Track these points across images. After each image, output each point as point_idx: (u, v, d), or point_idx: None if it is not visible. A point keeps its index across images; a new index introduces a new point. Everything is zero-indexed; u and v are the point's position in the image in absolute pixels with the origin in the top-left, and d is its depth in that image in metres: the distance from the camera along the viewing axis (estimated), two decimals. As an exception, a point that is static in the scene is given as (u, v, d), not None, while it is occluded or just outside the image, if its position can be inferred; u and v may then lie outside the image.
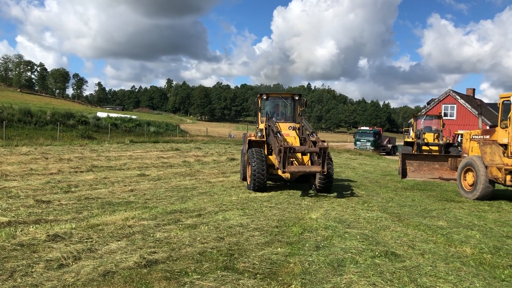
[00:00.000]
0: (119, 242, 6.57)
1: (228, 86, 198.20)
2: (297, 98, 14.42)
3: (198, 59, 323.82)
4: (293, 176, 12.49)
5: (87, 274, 5.12)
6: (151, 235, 7.08)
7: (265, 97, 14.08)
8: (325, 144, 11.49)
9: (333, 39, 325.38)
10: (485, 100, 58.79)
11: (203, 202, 10.44)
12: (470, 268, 5.76)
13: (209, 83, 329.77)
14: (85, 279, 4.99)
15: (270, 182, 14.15)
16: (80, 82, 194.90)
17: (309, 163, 12.48)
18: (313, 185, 12.79)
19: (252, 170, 12.06)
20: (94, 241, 6.59)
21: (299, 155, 12.51)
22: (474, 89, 50.64)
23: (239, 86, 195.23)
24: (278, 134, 12.41)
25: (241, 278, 5.13)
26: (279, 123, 13.62)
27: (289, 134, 13.10)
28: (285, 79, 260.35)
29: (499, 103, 12.78)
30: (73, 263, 5.53)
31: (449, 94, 44.44)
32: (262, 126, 13.82)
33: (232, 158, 23.91)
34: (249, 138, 13.50)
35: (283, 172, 11.23)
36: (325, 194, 12.42)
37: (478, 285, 5.07)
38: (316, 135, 12.77)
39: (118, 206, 9.66)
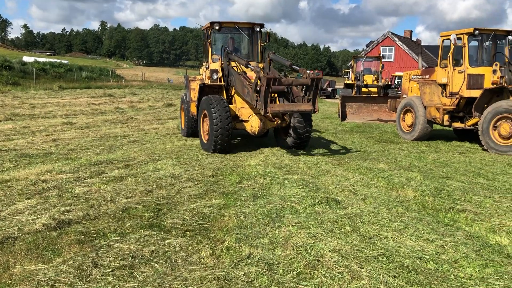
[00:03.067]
0: (29, 201, 5.72)
1: (166, 28, 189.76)
2: (258, 29, 11.22)
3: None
4: (263, 128, 9.97)
5: (-19, 242, 4.32)
6: (69, 190, 6.28)
7: (217, 27, 10.63)
8: (319, 75, 9.32)
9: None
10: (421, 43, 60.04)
11: (133, 151, 9.62)
12: (413, 213, 5.49)
13: (146, 25, 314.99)
14: (-22, 248, 4.19)
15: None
16: (3, 24, 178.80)
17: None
18: (282, 140, 10.60)
19: (213, 125, 9.23)
20: (-2, 201, 5.70)
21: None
22: (411, 31, 51.34)
23: (177, 28, 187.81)
24: (244, 74, 9.89)
25: (168, 237, 4.53)
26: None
27: (253, 76, 9.55)
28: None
29: (440, 42, 12.58)
30: (-33, 229, 4.68)
31: (387, 36, 44.69)
32: (215, 65, 10.79)
33: (169, 103, 22.85)
34: (200, 83, 10.71)
35: (265, 113, 8.43)
36: (262, 139, 11.91)
37: (422, 231, 4.78)
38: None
39: (35, 158, 8.66)
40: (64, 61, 64.98)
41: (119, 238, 4.49)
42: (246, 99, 9.37)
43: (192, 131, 11.81)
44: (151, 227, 4.85)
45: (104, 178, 7.02)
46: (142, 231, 4.71)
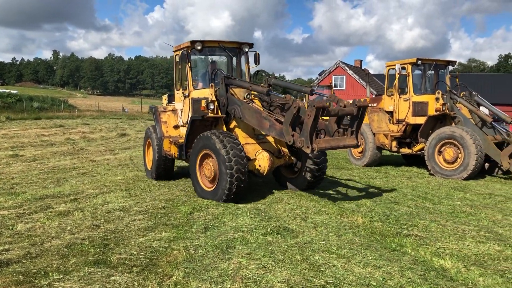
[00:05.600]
0: (-35, 241, 5.40)
1: (121, 57, 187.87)
2: (246, 50, 9.54)
3: (85, 28, 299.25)
4: (272, 167, 8.40)
5: None
6: (10, 227, 5.98)
7: (199, 47, 8.71)
8: (365, 101, 7.42)
9: (228, 9, 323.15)
10: (371, 71, 62.34)
11: (82, 184, 9.34)
12: (362, 239, 5.58)
13: (100, 54, 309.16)
14: None
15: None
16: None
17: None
18: (289, 180, 9.10)
19: (227, 168, 7.35)
20: None
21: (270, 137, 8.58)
22: (361, 61, 53.19)
23: (133, 58, 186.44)
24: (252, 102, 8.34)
25: (113, 274, 4.38)
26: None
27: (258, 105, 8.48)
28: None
29: (385, 72, 13.12)
30: None
31: (338, 66, 46.11)
32: (202, 93, 8.80)
33: (123, 133, 22.45)
34: (192, 115, 8.62)
35: (312, 151, 6.79)
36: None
37: (370, 257, 4.87)
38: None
39: (-25, 194, 8.22)
40: (13, 91, 62.82)
41: (61, 276, 4.30)
42: (269, 133, 7.72)
43: (164, 172, 9.95)
44: (96, 264, 4.68)
45: (50, 213, 6.74)
46: (87, 268, 4.53)
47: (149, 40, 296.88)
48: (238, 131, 8.53)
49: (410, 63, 12.16)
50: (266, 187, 9.24)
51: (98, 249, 5.13)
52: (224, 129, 8.56)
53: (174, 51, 9.59)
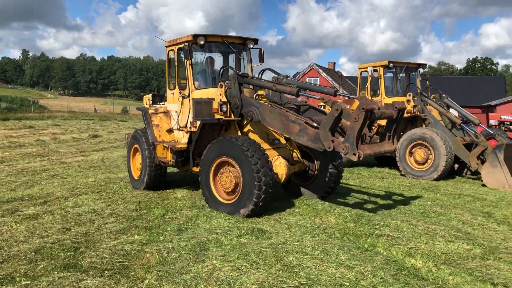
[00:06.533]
0: None
1: (93, 58, 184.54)
2: (251, 46, 8.63)
3: (56, 27, 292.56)
4: (288, 174, 7.66)
5: None
6: (-24, 232, 5.79)
7: (202, 42, 7.87)
8: (403, 103, 6.81)
9: (202, 10, 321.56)
10: (344, 74, 63.12)
11: (52, 186, 9.13)
12: (336, 240, 5.63)
13: (71, 54, 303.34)
14: None
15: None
16: None
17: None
18: (302, 187, 8.41)
19: (255, 180, 6.57)
20: None
21: (282, 139, 8.01)
22: (334, 63, 53.79)
23: (105, 58, 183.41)
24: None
25: (84, 278, 4.29)
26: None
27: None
28: (155, 51, 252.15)
29: (358, 74, 13.30)
30: None
31: (312, 68, 46.50)
32: (208, 93, 8.02)
33: (95, 135, 22.05)
34: (202, 119, 7.65)
35: (358, 158, 6.12)
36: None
37: (343, 258, 4.91)
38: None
39: None
40: (-20, 91, 61.05)
41: (29, 282, 4.19)
42: (298, 139, 6.95)
43: (155, 182, 8.90)
44: (66, 268, 4.57)
45: (18, 217, 6.56)
46: (56, 272, 4.42)
47: (122, 40, 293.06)
48: (252, 136, 7.75)
49: (382, 66, 12.36)
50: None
51: (69, 253, 5.02)
52: (239, 133, 7.76)
53: (168, 46, 8.71)
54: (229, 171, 7.01)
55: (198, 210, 7.15)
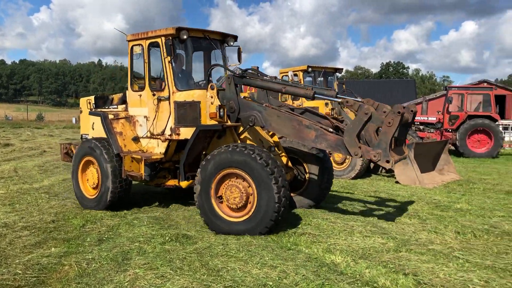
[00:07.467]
0: None
1: (3, 61, 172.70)
2: (232, 43, 8.12)
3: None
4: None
5: None
6: None
7: (184, 36, 7.13)
8: (414, 106, 6.53)
9: (121, 12, 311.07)
10: (268, 77, 64.21)
11: (-44, 200, 8.40)
12: (260, 241, 5.73)
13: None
14: None
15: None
16: None
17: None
18: (291, 198, 7.66)
19: (272, 199, 5.85)
20: None
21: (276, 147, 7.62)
22: (257, 67, 54.58)
23: (17, 61, 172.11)
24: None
25: (-5, 297, 4.02)
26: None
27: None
28: (72, 54, 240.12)
29: (280, 78, 13.63)
30: None
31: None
32: (194, 95, 7.17)
33: (6, 143, 20.59)
34: (199, 126, 6.93)
35: (392, 165, 5.84)
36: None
37: (267, 258, 5.01)
38: None
39: None
40: None
41: None
42: (315, 145, 6.55)
43: (119, 199, 7.69)
44: (-27, 288, 4.26)
45: None
46: (-38, 294, 4.11)
47: (35, 42, 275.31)
48: (249, 143, 7.04)
49: (301, 70, 12.80)
50: (165, 195, 9.09)
51: (-24, 272, 4.67)
52: (238, 141, 7.05)
53: (131, 41, 7.77)
54: (238, 184, 6.15)
55: (120, 219, 6.96)
